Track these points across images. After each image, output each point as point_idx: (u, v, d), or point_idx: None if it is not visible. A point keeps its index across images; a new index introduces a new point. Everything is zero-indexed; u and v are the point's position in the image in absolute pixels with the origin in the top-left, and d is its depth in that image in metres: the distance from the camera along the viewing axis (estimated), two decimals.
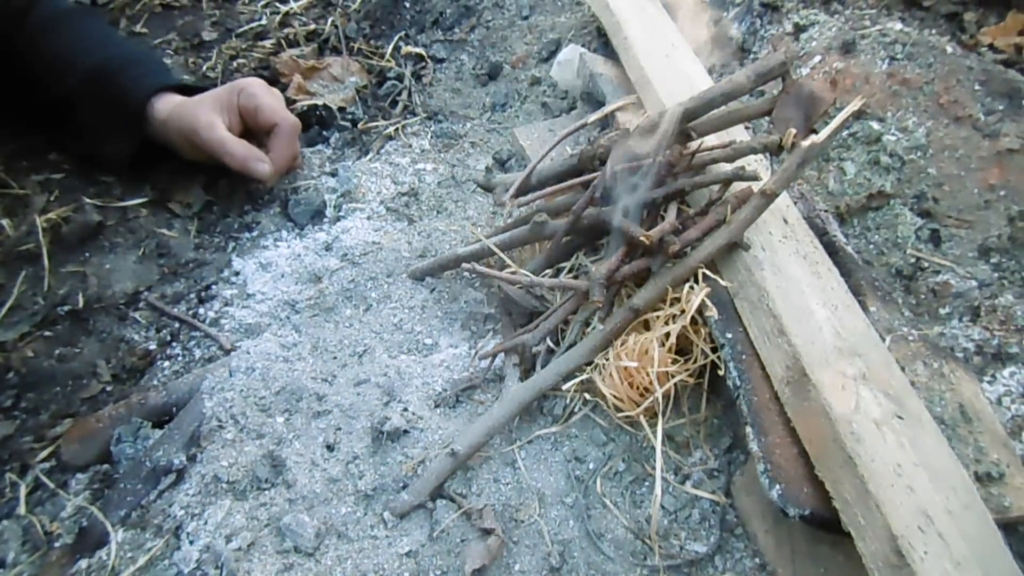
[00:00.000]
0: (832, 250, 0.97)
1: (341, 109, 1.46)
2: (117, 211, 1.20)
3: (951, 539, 0.68)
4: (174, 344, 1.07)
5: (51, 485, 0.91)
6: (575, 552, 0.82)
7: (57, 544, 0.85)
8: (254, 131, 1.24)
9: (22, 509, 0.88)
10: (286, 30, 1.61)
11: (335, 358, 1.01)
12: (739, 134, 1.06)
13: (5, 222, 1.13)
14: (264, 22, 1.63)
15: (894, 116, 1.20)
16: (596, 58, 1.30)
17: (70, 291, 1.08)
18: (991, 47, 1.37)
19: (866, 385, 0.78)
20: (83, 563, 0.82)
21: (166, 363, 1.05)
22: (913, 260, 1.08)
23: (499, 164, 1.32)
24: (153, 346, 1.07)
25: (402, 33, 1.63)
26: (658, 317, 0.90)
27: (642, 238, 0.86)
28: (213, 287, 1.14)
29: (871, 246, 1.11)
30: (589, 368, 0.91)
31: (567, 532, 0.84)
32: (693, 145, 0.95)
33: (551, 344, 0.96)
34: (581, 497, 0.86)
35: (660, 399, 0.86)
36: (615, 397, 0.88)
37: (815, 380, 0.77)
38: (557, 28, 1.53)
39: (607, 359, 0.90)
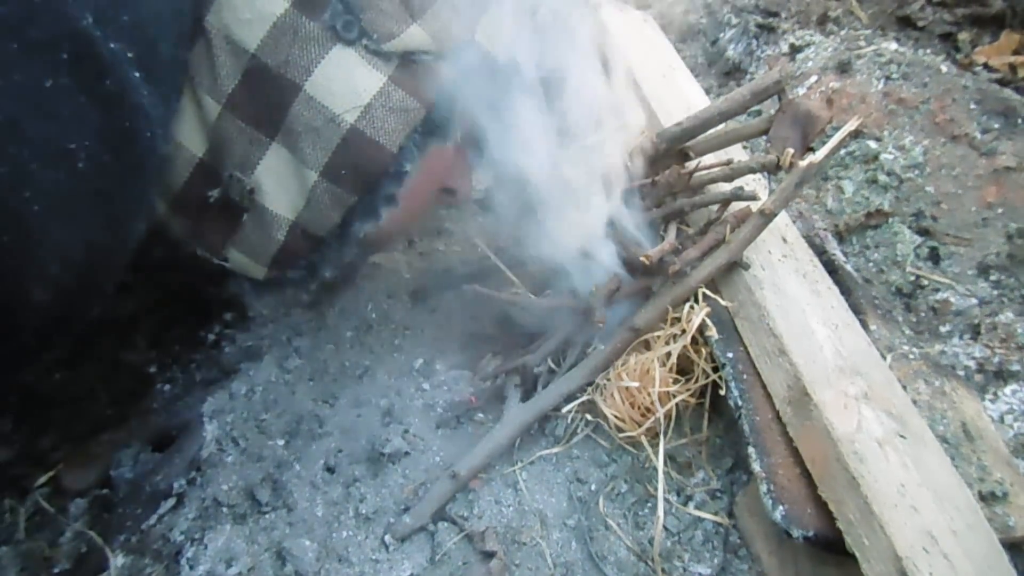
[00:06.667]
0: (831, 268, 0.97)
1: None
2: None
3: (956, 560, 0.67)
4: (174, 367, 1.07)
5: (50, 510, 0.90)
6: (578, 574, 0.81)
7: (56, 570, 0.84)
8: None
9: (21, 534, 0.88)
10: None
11: (335, 380, 1.00)
12: (737, 154, 1.07)
13: None
14: None
15: (891, 135, 1.20)
16: None
17: None
18: (986, 66, 1.39)
19: (868, 404, 0.78)
20: None
21: (166, 386, 1.04)
22: (913, 278, 1.08)
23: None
24: (153, 369, 1.06)
25: None
26: (658, 337, 0.90)
27: (642, 259, 0.86)
28: (213, 309, 1.14)
29: (870, 264, 1.11)
30: (590, 389, 0.91)
31: (569, 554, 0.83)
32: (691, 165, 0.95)
33: (552, 365, 0.96)
34: (583, 519, 0.86)
35: (661, 419, 0.85)
36: (617, 417, 0.88)
37: (817, 399, 0.77)
38: None
39: (608, 379, 0.90)
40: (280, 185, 0.76)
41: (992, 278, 1.07)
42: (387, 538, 0.83)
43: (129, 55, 0.59)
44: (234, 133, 0.74)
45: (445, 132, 0.79)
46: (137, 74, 0.60)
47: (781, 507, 0.74)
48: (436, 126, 0.78)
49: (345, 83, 0.73)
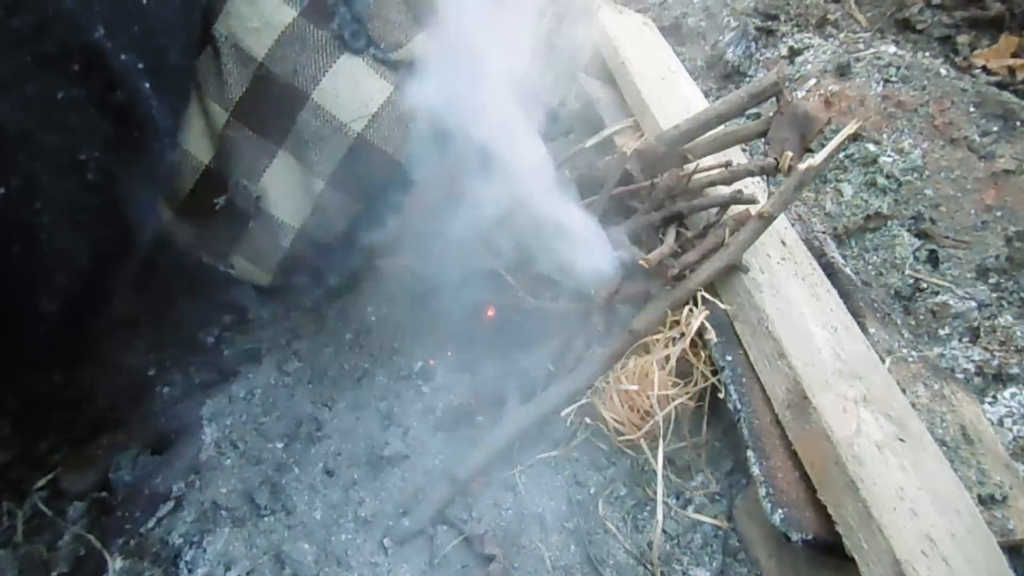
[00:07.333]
0: (830, 271, 0.97)
1: None
2: None
3: (955, 563, 0.67)
4: (173, 370, 1.07)
5: (49, 513, 0.90)
6: None
7: (54, 573, 0.84)
8: None
9: (19, 537, 0.87)
10: None
11: (334, 383, 1.00)
12: (736, 156, 1.07)
13: None
14: None
15: (890, 138, 1.20)
16: (593, 82, 1.31)
17: None
18: (984, 69, 1.39)
19: (867, 407, 0.78)
20: None
21: (165, 389, 1.04)
22: (912, 281, 1.08)
23: None
24: (152, 372, 1.06)
25: None
26: (658, 340, 0.90)
27: (641, 262, 0.86)
28: (212, 313, 1.14)
29: (869, 267, 1.11)
30: (589, 392, 0.91)
31: (568, 557, 0.83)
32: (690, 167, 0.96)
33: (551, 368, 0.96)
34: (582, 522, 0.86)
35: (661, 422, 0.85)
36: (616, 420, 0.88)
37: (816, 403, 0.77)
38: None
39: (607, 382, 0.89)
40: (286, 193, 0.76)
41: (991, 281, 1.07)
42: (386, 541, 0.83)
43: (139, 66, 0.59)
44: (241, 140, 0.74)
45: (450, 140, 0.80)
46: (147, 84, 0.60)
47: (780, 510, 0.74)
48: (441, 135, 0.78)
49: (353, 92, 0.73)
